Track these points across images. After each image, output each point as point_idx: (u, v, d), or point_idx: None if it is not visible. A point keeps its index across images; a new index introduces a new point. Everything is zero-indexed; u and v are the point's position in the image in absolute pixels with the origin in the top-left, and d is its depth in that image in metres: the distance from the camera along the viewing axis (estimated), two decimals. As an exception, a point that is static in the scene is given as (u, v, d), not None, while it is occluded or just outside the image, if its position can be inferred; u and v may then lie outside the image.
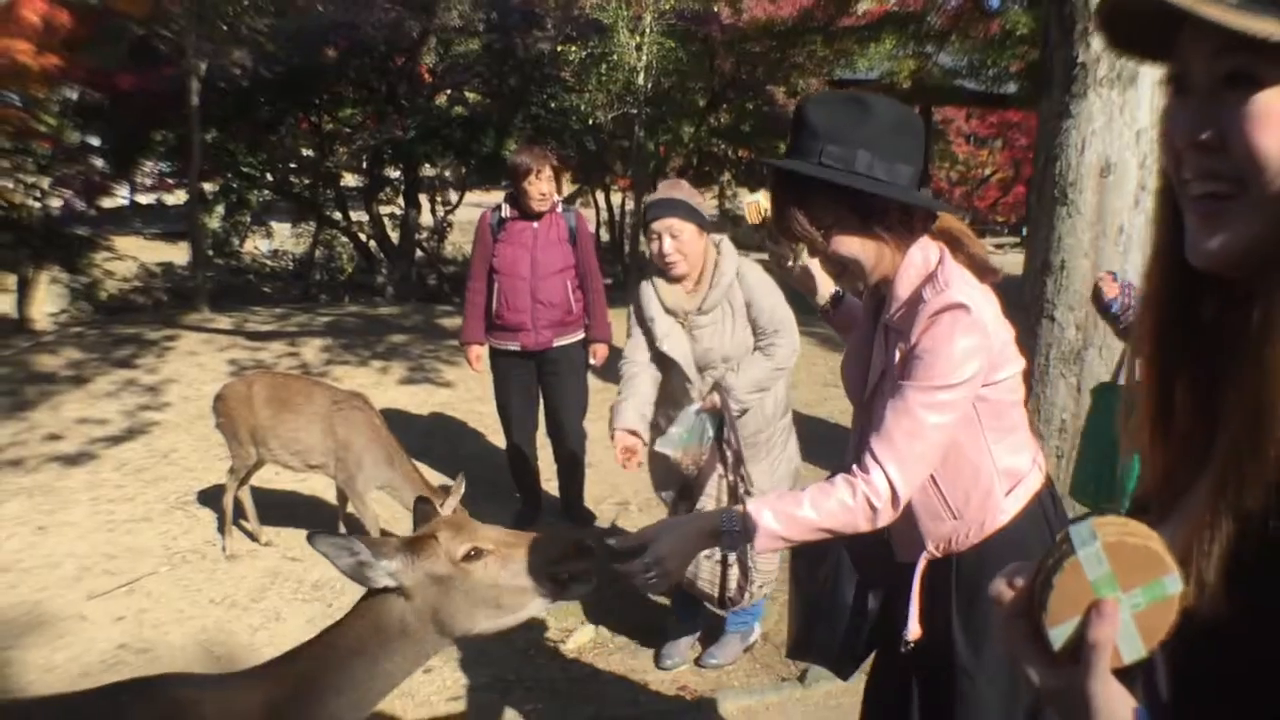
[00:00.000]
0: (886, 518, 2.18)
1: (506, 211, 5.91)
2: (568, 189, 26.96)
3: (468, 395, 8.96)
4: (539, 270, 5.83)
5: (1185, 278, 1.06)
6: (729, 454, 4.10)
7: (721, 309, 4.30)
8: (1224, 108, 0.93)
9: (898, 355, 2.24)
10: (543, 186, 5.74)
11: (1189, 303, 1.08)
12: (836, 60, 16.78)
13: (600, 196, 22.06)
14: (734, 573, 4.09)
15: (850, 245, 2.23)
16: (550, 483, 6.52)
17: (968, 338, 2.15)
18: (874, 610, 2.62)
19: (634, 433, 4.14)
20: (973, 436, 2.28)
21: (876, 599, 2.62)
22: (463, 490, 5.19)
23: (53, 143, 17.25)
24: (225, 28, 13.82)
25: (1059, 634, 1.01)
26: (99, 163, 20.75)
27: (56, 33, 10.54)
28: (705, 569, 4.15)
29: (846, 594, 2.65)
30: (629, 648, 4.92)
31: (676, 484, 4.41)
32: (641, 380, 4.33)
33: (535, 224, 5.86)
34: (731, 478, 4.10)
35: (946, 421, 2.17)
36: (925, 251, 2.27)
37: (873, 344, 2.40)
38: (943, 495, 2.33)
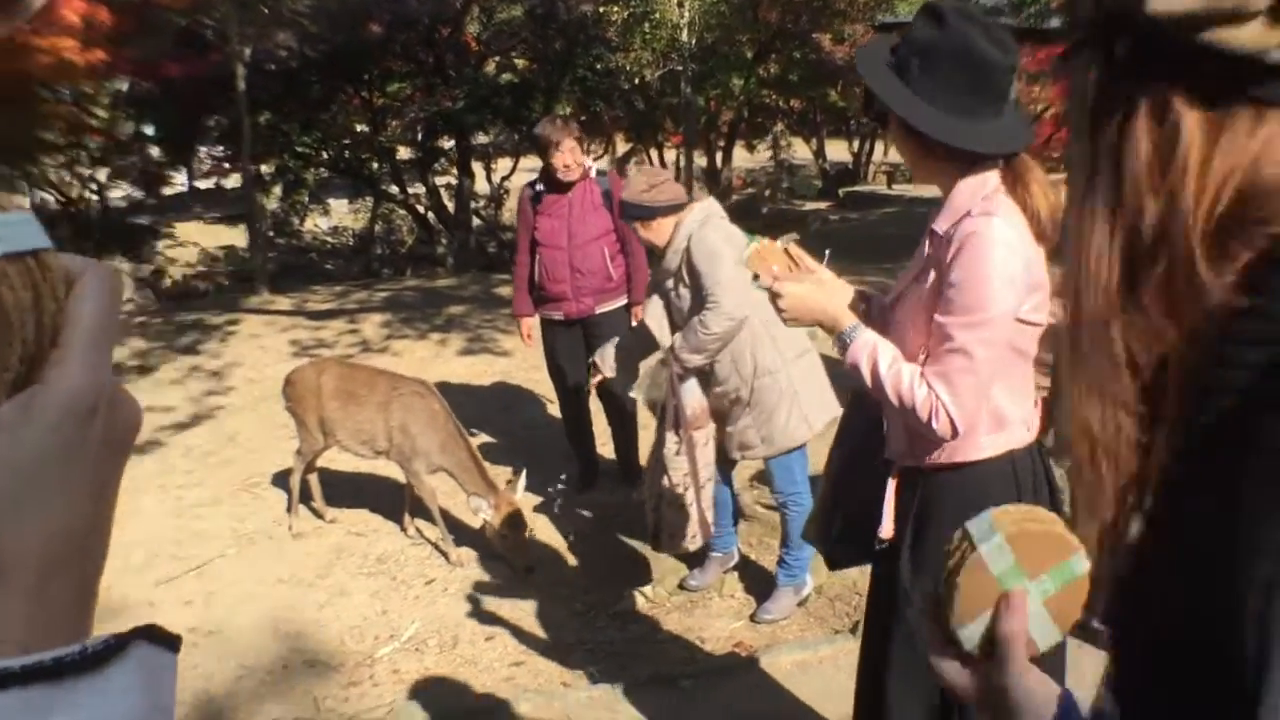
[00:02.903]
0: (945, 430, 2.26)
1: (541, 185, 5.97)
2: (622, 148, 27.02)
3: (525, 364, 9.04)
4: (575, 239, 5.88)
5: None
6: (669, 416, 4.42)
7: (677, 275, 4.55)
8: None
9: (933, 271, 2.31)
10: (566, 158, 5.76)
11: None
12: (877, 5, 16.61)
13: (655, 154, 22.07)
14: (651, 520, 4.53)
15: (900, 145, 2.40)
16: (606, 446, 6.60)
17: (1005, 266, 2.20)
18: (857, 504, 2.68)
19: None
20: None
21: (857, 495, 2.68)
22: (523, 483, 5.33)
23: (105, 135, 17.56)
24: (266, 11, 13.94)
25: (969, 634, 1.00)
26: (155, 151, 21.08)
27: (99, 29, 10.72)
28: (679, 468, 4.43)
29: (838, 485, 2.76)
30: (684, 606, 4.98)
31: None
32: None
33: (569, 194, 5.90)
34: (665, 437, 4.41)
35: (994, 353, 2.25)
36: (982, 179, 2.31)
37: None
38: None
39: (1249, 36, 0.72)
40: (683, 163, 20.63)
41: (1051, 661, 1.03)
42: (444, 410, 5.54)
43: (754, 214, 22.23)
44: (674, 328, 4.61)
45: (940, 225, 2.33)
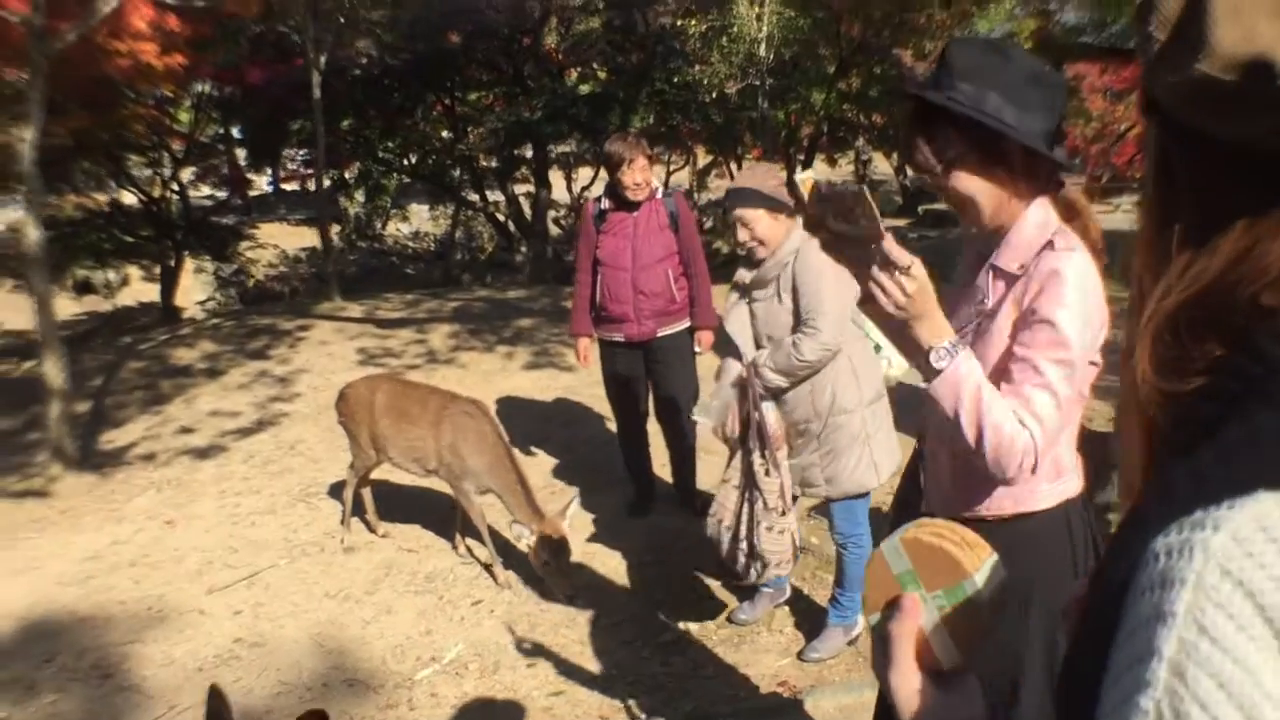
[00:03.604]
0: (1024, 475, 2.14)
1: (606, 203, 5.90)
2: (703, 160, 26.97)
3: (589, 379, 8.98)
4: (639, 260, 5.79)
5: None
6: (752, 434, 4.16)
7: (774, 287, 4.34)
8: None
9: (1006, 309, 2.23)
10: (636, 176, 5.67)
11: None
12: (955, 23, 16.44)
13: (734, 167, 22.00)
14: (741, 549, 4.23)
15: (969, 183, 2.23)
16: (664, 469, 6.52)
17: (1092, 302, 2.15)
18: None
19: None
20: None
21: None
22: (573, 509, 5.24)
23: (186, 138, 17.89)
24: (342, 20, 14.10)
25: (873, 621, 1.05)
26: (240, 153, 21.47)
27: (176, 35, 10.89)
28: (732, 499, 4.28)
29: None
30: (731, 640, 4.88)
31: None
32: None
33: (635, 213, 5.81)
34: (752, 459, 4.16)
35: (1073, 392, 2.17)
36: (1046, 211, 2.25)
37: (973, 292, 2.36)
38: None
39: None
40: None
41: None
42: (494, 432, 5.49)
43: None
44: (755, 337, 4.45)
45: (1008, 262, 2.25)
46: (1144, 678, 0.64)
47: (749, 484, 4.21)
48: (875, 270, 2.02)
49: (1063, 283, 2.13)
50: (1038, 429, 2.10)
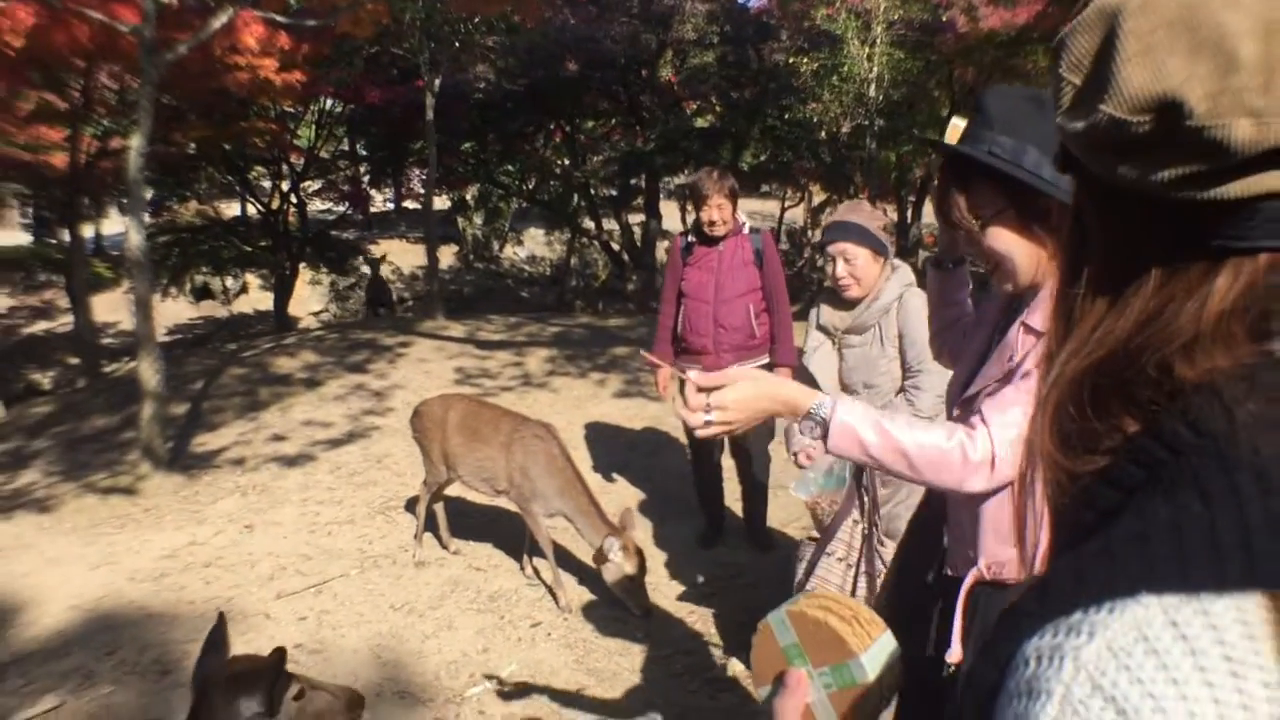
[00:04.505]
0: (976, 479, 2.02)
1: (693, 237, 5.93)
2: (818, 199, 26.89)
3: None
4: (721, 294, 5.81)
5: None
6: (865, 498, 3.91)
7: (873, 331, 4.20)
8: None
9: (1035, 359, 2.08)
10: (713, 214, 5.69)
11: None
12: (1061, 70, 16.31)
13: (846, 208, 21.98)
14: (862, 583, 3.91)
15: (1005, 240, 2.13)
16: (737, 503, 6.50)
17: None
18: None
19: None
20: None
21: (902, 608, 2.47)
22: (633, 530, 5.25)
23: (306, 154, 18.36)
24: (457, 44, 14.36)
25: (764, 695, 1.04)
26: (362, 170, 21.98)
27: (291, 53, 11.23)
28: (836, 573, 3.95)
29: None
30: (783, 681, 4.86)
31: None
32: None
33: (719, 247, 5.84)
34: (866, 524, 3.90)
35: None
36: None
37: (992, 343, 2.28)
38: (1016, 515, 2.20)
39: (1243, 136, 0.63)
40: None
41: None
42: (563, 455, 5.54)
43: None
44: (841, 381, 4.33)
45: (1040, 320, 2.12)
46: None
47: (868, 559, 3.92)
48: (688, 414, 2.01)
49: None
50: (995, 416, 2.03)
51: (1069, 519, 0.73)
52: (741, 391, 1.99)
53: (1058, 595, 0.64)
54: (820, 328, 4.38)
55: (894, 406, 4.12)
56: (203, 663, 2.37)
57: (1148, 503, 0.64)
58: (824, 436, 2.03)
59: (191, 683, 2.38)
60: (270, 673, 2.29)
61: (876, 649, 1.00)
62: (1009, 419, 2.02)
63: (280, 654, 2.32)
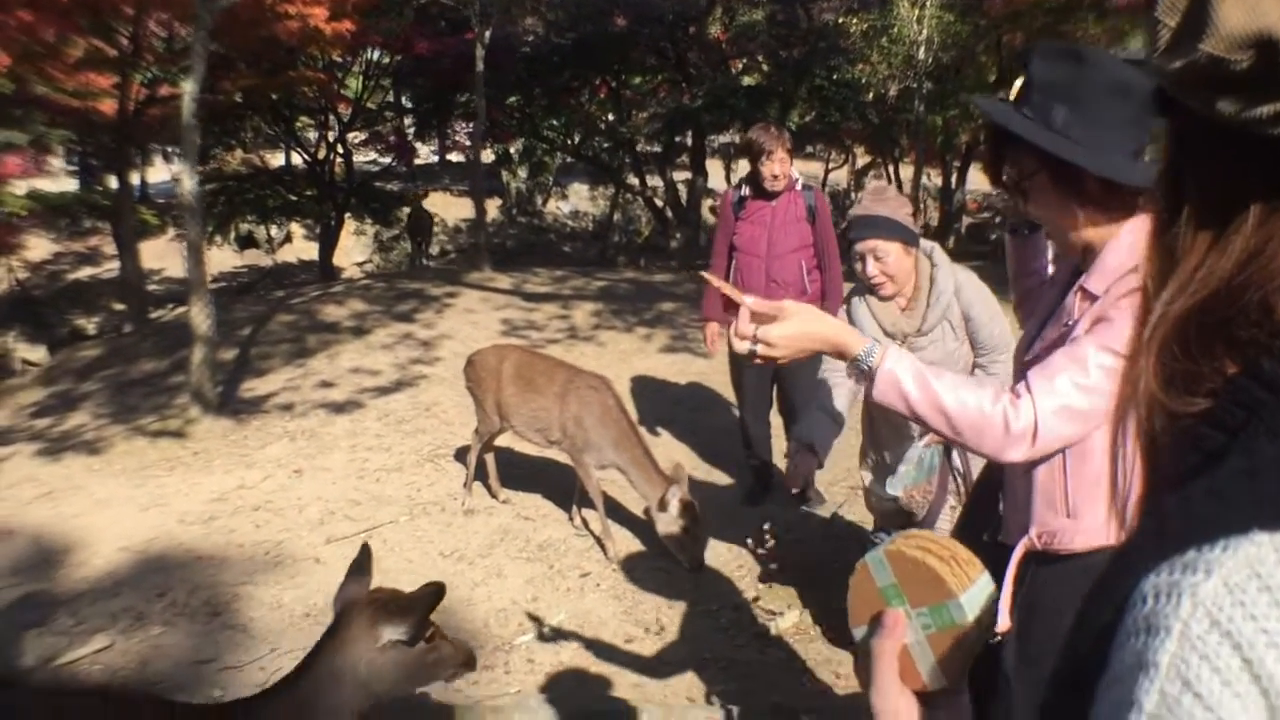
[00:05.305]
0: (1016, 448, 1.99)
1: (745, 190, 5.90)
2: (862, 160, 26.70)
3: (722, 367, 8.91)
4: (774, 249, 5.79)
5: None
6: (959, 481, 3.82)
7: (942, 327, 3.99)
8: None
9: (1087, 323, 2.05)
10: (774, 168, 5.66)
11: None
12: (1108, 39, 15.95)
13: (890, 169, 21.79)
14: None
15: (1042, 202, 2.11)
16: (784, 461, 6.49)
17: None
18: None
19: (810, 448, 3.72)
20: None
21: None
22: (684, 484, 5.25)
23: (352, 104, 18.37)
24: (506, -4, 14.34)
25: (858, 635, 1.01)
26: (407, 122, 21.96)
27: (343, 2, 11.22)
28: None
29: None
30: (832, 635, 4.87)
31: (901, 521, 4.04)
32: (841, 392, 3.99)
33: (773, 203, 5.80)
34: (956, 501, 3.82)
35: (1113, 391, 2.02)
36: (1139, 234, 1.99)
37: (1056, 305, 2.23)
38: (1066, 486, 2.16)
39: None
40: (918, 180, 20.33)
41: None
42: (618, 406, 5.55)
43: (983, 239, 21.64)
44: None
45: (1097, 284, 2.06)
46: None
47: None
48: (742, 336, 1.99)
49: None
50: (1042, 385, 1.98)
51: (1171, 462, 0.72)
52: (788, 329, 1.98)
53: (1172, 534, 0.64)
54: (889, 334, 3.99)
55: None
56: (346, 587, 2.48)
57: (1252, 442, 0.64)
58: (869, 384, 2.03)
59: (333, 604, 2.45)
60: (425, 604, 2.38)
61: (975, 590, 0.99)
62: (1055, 387, 1.98)
63: (440, 589, 2.40)
